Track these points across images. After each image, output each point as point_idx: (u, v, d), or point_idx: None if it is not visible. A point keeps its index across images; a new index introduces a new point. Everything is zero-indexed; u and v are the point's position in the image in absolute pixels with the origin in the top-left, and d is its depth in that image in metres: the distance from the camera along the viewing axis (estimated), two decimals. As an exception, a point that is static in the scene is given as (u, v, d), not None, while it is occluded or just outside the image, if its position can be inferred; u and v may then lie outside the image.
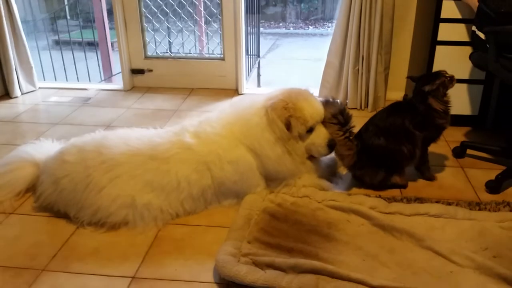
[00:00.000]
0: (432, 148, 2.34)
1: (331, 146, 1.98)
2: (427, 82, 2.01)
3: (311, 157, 2.04)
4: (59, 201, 1.84)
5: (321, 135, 1.97)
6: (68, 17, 7.03)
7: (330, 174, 2.18)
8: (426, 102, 2.02)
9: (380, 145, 2.02)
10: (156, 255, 1.68)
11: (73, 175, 1.80)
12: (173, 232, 1.80)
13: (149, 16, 3.48)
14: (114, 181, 1.78)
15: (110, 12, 4.77)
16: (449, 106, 2.06)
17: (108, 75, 5.12)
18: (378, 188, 2.08)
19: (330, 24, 10.16)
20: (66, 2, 7.69)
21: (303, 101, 1.91)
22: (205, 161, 1.87)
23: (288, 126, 1.88)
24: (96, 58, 5.16)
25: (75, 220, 1.83)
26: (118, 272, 1.59)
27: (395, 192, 2.06)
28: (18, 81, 3.31)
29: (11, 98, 3.29)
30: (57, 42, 5.22)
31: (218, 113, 2.01)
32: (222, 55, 3.40)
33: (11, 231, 1.82)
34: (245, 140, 1.90)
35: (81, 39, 5.33)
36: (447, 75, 2.04)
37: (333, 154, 2.08)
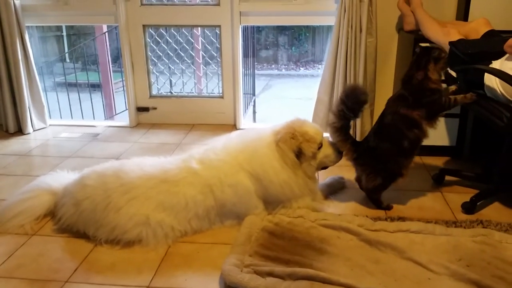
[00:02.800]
0: (414, 174, 2.60)
1: (340, 152, 2.29)
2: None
3: (322, 168, 2.35)
4: (80, 222, 2.05)
5: (328, 147, 2.28)
6: (68, 60, 7.38)
7: (329, 192, 2.46)
8: (427, 67, 2.19)
9: (379, 146, 2.24)
10: (167, 268, 1.87)
11: (94, 197, 2.02)
12: (182, 249, 2.00)
13: (154, 59, 3.78)
14: (131, 202, 1.99)
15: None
16: (440, 85, 2.24)
17: (110, 114, 5.39)
18: (371, 194, 2.33)
19: (320, 65, 10.60)
20: (66, 48, 8.06)
21: (304, 126, 2.19)
22: (208, 184, 2.09)
23: (299, 153, 2.13)
24: (100, 98, 5.44)
25: (93, 239, 2.02)
26: (135, 282, 1.78)
27: (380, 213, 2.28)
28: (31, 118, 3.56)
29: (23, 134, 3.52)
30: (58, 84, 5.52)
31: (224, 142, 2.25)
32: (221, 94, 3.68)
33: (35, 249, 2.01)
34: (249, 167, 2.12)
35: (81, 81, 5.64)
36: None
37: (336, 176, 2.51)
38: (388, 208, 2.33)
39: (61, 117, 4.65)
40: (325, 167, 2.36)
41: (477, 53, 2.34)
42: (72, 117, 4.79)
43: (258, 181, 2.12)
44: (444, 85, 2.32)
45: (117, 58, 7.59)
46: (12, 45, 3.36)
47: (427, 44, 2.49)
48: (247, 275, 1.73)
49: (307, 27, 10.67)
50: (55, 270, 1.86)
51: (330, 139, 2.34)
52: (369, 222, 2.13)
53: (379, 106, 3.31)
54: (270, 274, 1.74)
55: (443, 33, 2.59)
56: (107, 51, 5.42)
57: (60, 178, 2.36)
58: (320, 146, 2.23)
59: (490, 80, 2.22)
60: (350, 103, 2.20)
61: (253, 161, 2.12)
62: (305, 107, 5.38)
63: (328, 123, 2.40)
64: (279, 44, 11.10)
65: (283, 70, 10.84)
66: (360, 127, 3.22)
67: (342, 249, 1.94)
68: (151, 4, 3.54)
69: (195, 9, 3.51)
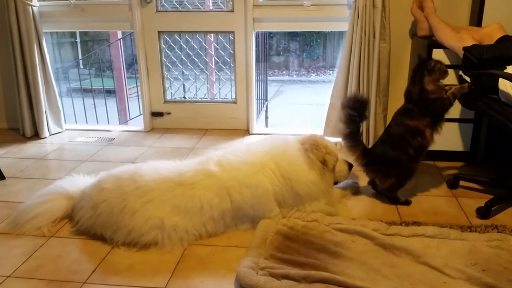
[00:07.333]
0: (428, 179, 2.60)
1: (350, 168, 2.43)
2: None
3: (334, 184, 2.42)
4: (97, 224, 2.08)
5: (342, 163, 2.39)
6: (81, 66, 7.48)
7: (343, 195, 2.51)
8: (422, 80, 2.29)
9: (386, 154, 2.35)
10: (183, 270, 1.90)
11: (110, 200, 2.05)
12: (197, 251, 2.02)
13: (168, 65, 3.83)
14: (147, 205, 2.02)
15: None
16: (443, 89, 2.31)
17: (125, 120, 5.45)
18: (388, 193, 2.42)
19: (331, 71, 10.60)
20: (80, 54, 8.17)
21: (324, 140, 2.32)
22: (226, 186, 2.11)
23: (324, 163, 2.23)
24: (114, 104, 5.51)
25: (110, 241, 2.05)
26: (151, 284, 1.81)
27: (395, 217, 2.28)
28: (47, 123, 3.62)
29: (40, 138, 3.58)
30: (73, 89, 5.60)
31: (247, 144, 2.34)
32: (234, 99, 3.71)
33: (53, 251, 2.04)
34: (275, 165, 2.17)
35: (95, 86, 5.71)
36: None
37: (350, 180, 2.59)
38: (407, 203, 2.40)
39: (76, 122, 4.71)
40: (336, 182, 2.45)
41: (491, 58, 2.34)
42: (87, 122, 4.85)
43: (284, 179, 2.16)
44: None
45: (131, 64, 7.68)
46: (30, 51, 3.43)
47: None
48: (263, 277, 1.74)
49: (318, 33, 10.69)
50: (73, 271, 1.89)
51: (343, 144, 2.42)
52: (384, 226, 2.14)
53: (393, 110, 3.30)
54: (286, 276, 1.76)
55: (457, 38, 2.59)
56: (122, 57, 5.49)
57: (77, 182, 2.39)
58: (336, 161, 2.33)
59: (504, 85, 2.21)
60: (352, 104, 2.33)
61: (282, 160, 2.19)
62: (316, 113, 5.40)
63: (339, 131, 2.48)
64: (290, 50, 11.12)
65: (294, 76, 10.85)
66: (374, 132, 3.22)
67: (357, 253, 1.95)
68: (166, 11, 3.59)
69: (209, 16, 3.55)
